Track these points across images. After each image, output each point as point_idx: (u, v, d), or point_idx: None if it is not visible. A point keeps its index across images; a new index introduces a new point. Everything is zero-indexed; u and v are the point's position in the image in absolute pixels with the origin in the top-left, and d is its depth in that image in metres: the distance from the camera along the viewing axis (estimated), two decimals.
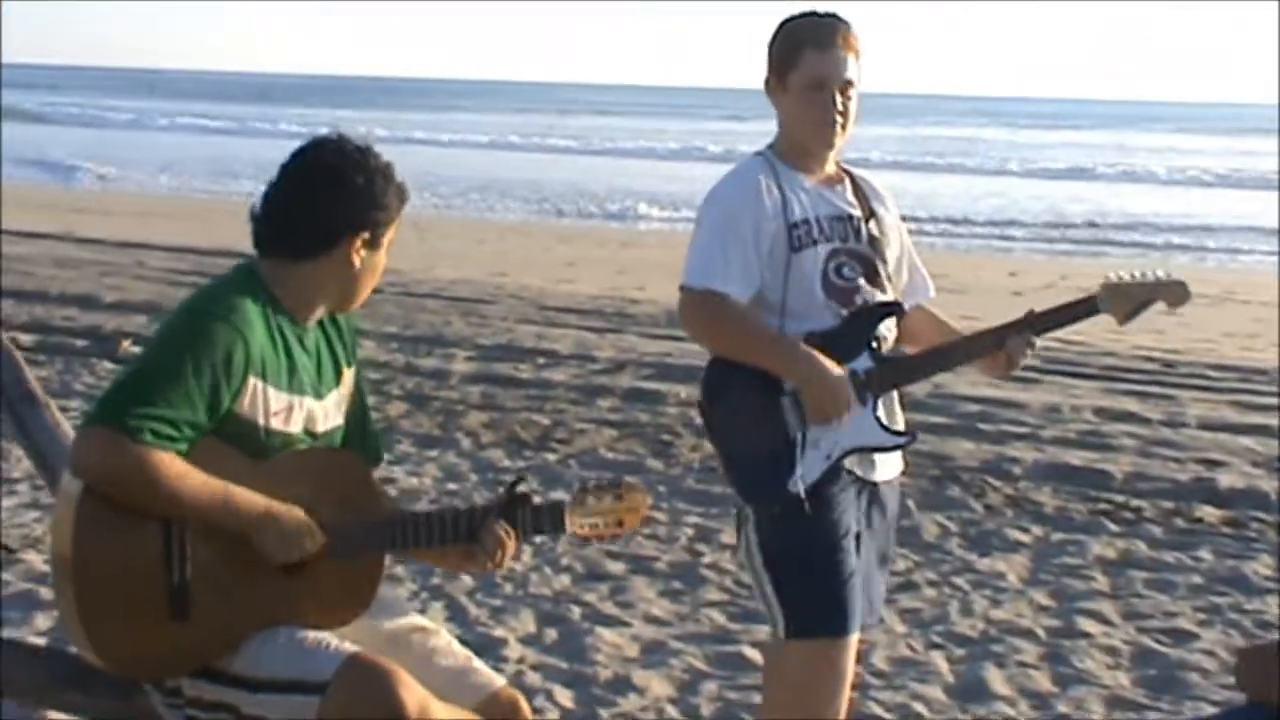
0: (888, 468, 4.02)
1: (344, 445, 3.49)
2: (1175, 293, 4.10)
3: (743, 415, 3.93)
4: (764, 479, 3.89)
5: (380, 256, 3.43)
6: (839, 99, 3.89)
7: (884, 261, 4.03)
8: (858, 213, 4.02)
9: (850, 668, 3.97)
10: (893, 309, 3.99)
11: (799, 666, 3.97)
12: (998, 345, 4.07)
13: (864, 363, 3.89)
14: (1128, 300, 4.08)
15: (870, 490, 3.98)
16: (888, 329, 3.98)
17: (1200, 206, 33.84)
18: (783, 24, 3.99)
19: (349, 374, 3.52)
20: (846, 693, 4.00)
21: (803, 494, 3.82)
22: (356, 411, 3.55)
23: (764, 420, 3.89)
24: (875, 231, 4.03)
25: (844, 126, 3.94)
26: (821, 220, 3.95)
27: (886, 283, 4.02)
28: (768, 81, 3.99)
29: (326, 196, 3.34)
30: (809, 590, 3.90)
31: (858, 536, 3.95)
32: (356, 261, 3.37)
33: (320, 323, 3.47)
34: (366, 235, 3.37)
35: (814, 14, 3.99)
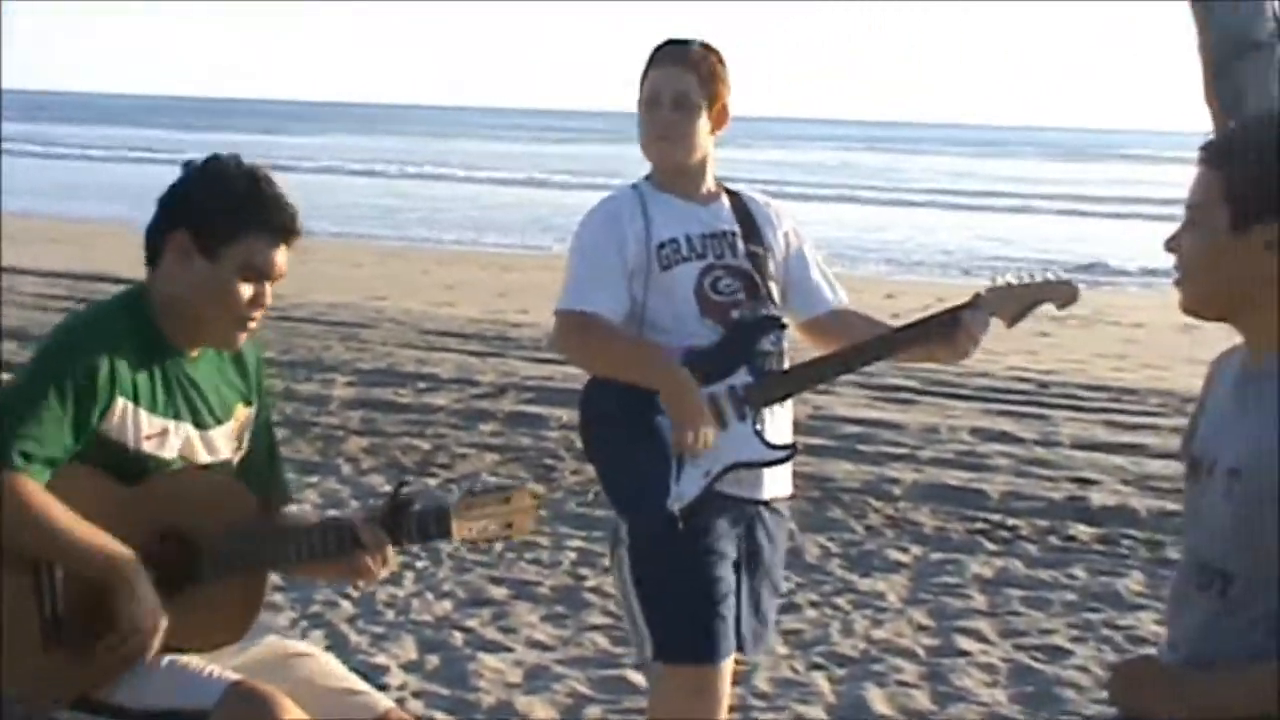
0: (774, 486, 4.03)
1: (242, 480, 3.43)
2: (1063, 292, 4.04)
3: (620, 433, 3.95)
4: (641, 498, 3.90)
5: (222, 273, 3.24)
6: (669, 115, 3.95)
7: (765, 276, 4.06)
8: (734, 229, 4.06)
9: (724, 693, 3.98)
10: (773, 323, 4.02)
11: (670, 692, 3.99)
12: (879, 354, 4.12)
13: (742, 377, 3.92)
14: (1014, 302, 4.04)
15: (756, 512, 4.00)
16: (770, 343, 3.99)
17: (1070, 230, 34.50)
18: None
19: (245, 411, 3.44)
20: (722, 717, 4.02)
21: (678, 513, 3.84)
22: (260, 452, 3.49)
23: (641, 438, 3.90)
24: (755, 248, 4.07)
25: (678, 143, 3.99)
26: (693, 238, 4.00)
27: (768, 297, 4.05)
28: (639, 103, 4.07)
29: (160, 200, 3.33)
30: (677, 615, 3.91)
31: (737, 563, 3.97)
32: (180, 267, 3.26)
33: (220, 355, 3.40)
34: (188, 235, 3.25)
35: (673, 40, 4.08)
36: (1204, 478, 2.86)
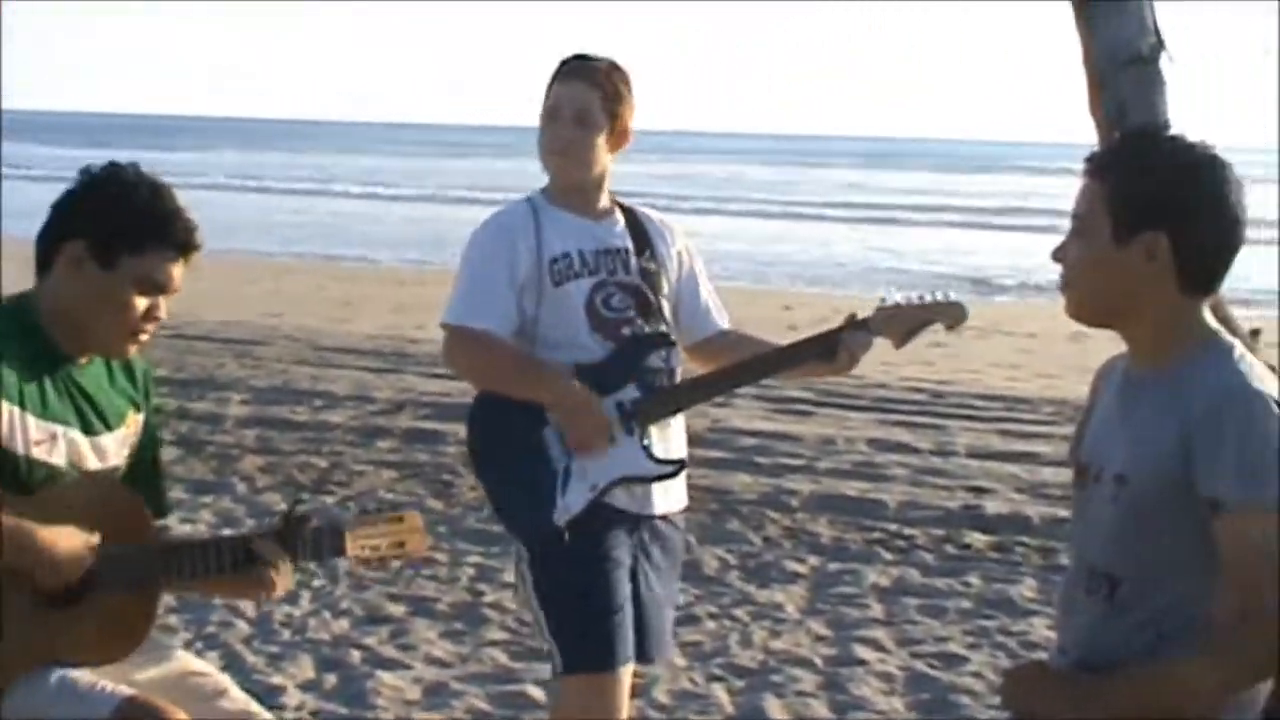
0: (666, 501, 4.06)
1: (129, 488, 3.40)
2: (952, 313, 4.08)
3: (507, 449, 3.97)
4: (529, 513, 3.92)
5: (117, 284, 3.22)
6: (569, 130, 3.97)
7: (657, 293, 4.08)
8: (627, 245, 4.08)
9: (623, 702, 4.00)
10: (663, 339, 4.04)
11: (570, 701, 4.01)
12: (762, 372, 4.22)
13: (630, 393, 3.94)
14: (903, 323, 4.08)
15: (648, 524, 4.03)
16: (659, 360, 4.02)
17: (963, 242, 34.95)
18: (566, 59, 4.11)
19: (135, 418, 3.42)
20: None
21: (563, 526, 3.86)
22: (144, 461, 3.46)
23: (528, 453, 3.92)
24: (648, 265, 4.09)
25: (576, 158, 4.01)
26: (586, 254, 4.02)
27: (659, 314, 4.07)
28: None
29: (54, 206, 3.30)
30: (577, 625, 3.93)
31: (634, 571, 3.99)
32: (73, 275, 3.23)
33: (107, 363, 3.38)
34: (84, 244, 3.23)
35: (581, 55, 4.09)
36: (1091, 483, 2.91)
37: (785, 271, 28.01)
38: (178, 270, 3.30)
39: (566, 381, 3.89)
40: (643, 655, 4.07)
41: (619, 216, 4.13)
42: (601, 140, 4.01)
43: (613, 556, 3.93)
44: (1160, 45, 3.43)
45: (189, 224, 3.31)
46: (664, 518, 4.08)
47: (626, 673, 3.99)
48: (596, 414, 3.87)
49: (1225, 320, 3.11)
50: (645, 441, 3.95)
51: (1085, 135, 3.99)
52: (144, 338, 3.32)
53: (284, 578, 3.38)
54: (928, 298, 4.11)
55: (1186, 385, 2.77)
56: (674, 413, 4.05)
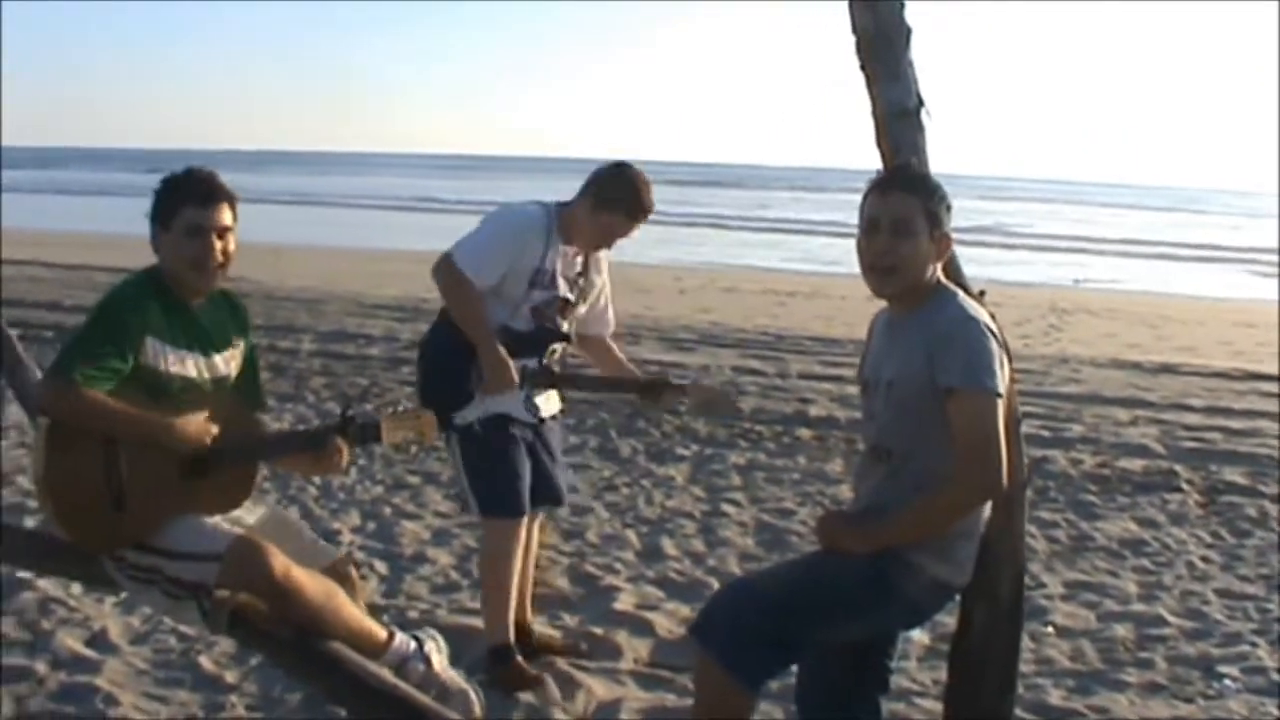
0: (548, 408, 4.18)
1: (237, 392, 3.36)
2: (732, 410, 4.41)
3: (444, 365, 4.00)
4: (446, 409, 3.91)
5: (176, 239, 3.14)
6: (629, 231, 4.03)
7: (576, 307, 4.14)
8: (579, 274, 4.12)
9: (524, 537, 4.08)
10: (564, 337, 4.11)
11: (490, 538, 4.08)
12: (619, 390, 4.34)
13: (532, 363, 4.02)
14: (709, 407, 4.14)
15: (540, 423, 4.15)
16: (555, 347, 4.10)
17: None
18: (622, 169, 4.04)
19: (239, 340, 3.36)
20: (531, 551, 4.20)
21: (474, 424, 3.94)
22: (248, 371, 3.40)
23: (458, 372, 3.96)
24: (583, 288, 4.14)
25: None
26: (558, 277, 4.04)
27: (571, 320, 4.14)
28: (596, 204, 4.02)
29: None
30: (490, 485, 4.01)
31: (533, 448, 4.09)
32: (159, 244, 3.20)
33: (214, 303, 3.32)
34: (159, 221, 3.18)
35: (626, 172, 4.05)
36: (873, 390, 2.98)
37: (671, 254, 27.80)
38: (215, 214, 3.18)
39: (498, 348, 3.92)
40: (556, 500, 4.19)
41: (582, 255, 4.13)
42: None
43: (516, 437, 4.03)
44: (921, 104, 3.45)
45: (207, 183, 3.18)
46: (553, 417, 4.22)
47: (527, 518, 4.08)
48: (510, 373, 3.93)
49: (960, 283, 3.16)
50: (529, 395, 4.05)
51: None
52: (219, 269, 3.21)
53: (341, 458, 3.38)
54: (718, 388, 4.32)
55: (930, 319, 2.85)
56: (550, 387, 4.14)
